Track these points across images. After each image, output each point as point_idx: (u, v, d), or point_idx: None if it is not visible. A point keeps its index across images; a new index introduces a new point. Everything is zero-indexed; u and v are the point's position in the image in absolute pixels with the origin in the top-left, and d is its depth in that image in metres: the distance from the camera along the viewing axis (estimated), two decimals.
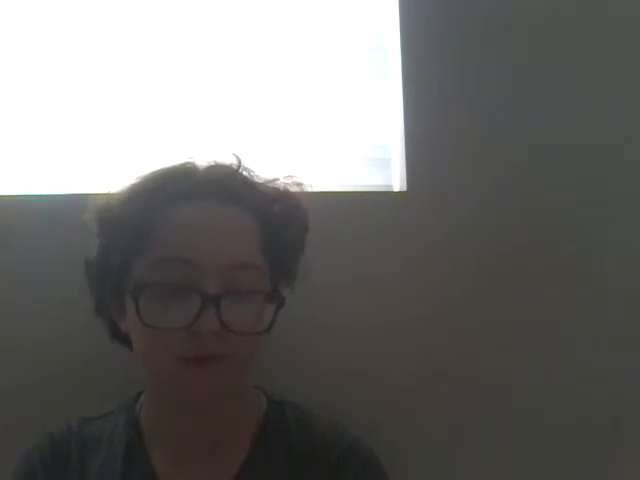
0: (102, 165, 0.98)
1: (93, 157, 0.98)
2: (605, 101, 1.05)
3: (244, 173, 0.73)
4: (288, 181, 0.75)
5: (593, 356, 1.00)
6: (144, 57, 1.00)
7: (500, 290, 0.99)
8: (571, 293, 1.00)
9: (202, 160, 0.72)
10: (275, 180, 0.75)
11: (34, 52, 0.98)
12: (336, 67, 1.04)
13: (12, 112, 0.97)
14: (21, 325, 0.89)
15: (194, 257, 0.64)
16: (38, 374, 0.88)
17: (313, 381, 0.90)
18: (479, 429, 0.96)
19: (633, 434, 0.99)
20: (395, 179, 1.03)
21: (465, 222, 0.99)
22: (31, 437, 0.73)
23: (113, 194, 0.70)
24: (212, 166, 0.72)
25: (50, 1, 0.99)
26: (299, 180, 0.75)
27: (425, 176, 1.00)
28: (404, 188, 1.00)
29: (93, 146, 0.98)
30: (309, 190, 0.76)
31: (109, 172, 0.97)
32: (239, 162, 0.73)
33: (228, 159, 0.73)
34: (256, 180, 0.74)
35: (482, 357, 0.97)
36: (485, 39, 1.04)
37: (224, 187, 0.69)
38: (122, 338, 0.72)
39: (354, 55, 1.05)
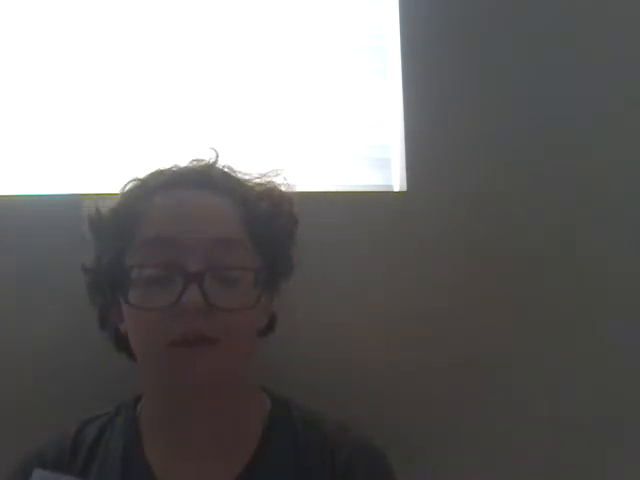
0: (102, 165, 0.98)
1: (92, 157, 0.98)
2: (605, 101, 1.05)
3: (224, 168, 0.76)
4: (272, 174, 0.77)
5: (594, 353, 0.99)
6: (143, 58, 1.00)
7: (500, 289, 0.99)
8: (571, 292, 1.00)
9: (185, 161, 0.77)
10: (258, 176, 0.77)
11: (34, 52, 0.98)
12: (336, 67, 1.04)
13: (12, 112, 0.97)
14: (20, 325, 0.89)
15: (174, 236, 0.66)
16: (37, 375, 0.88)
17: (311, 378, 0.89)
18: (478, 424, 0.96)
19: (634, 433, 0.99)
20: (395, 179, 1.03)
21: (465, 222, 0.99)
22: (23, 444, 0.73)
23: (102, 199, 0.75)
24: (191, 161, 0.76)
25: (50, 1, 0.99)
26: (280, 172, 0.78)
27: (425, 176, 1.00)
28: (404, 188, 1.00)
29: (92, 146, 0.98)
30: (290, 182, 0.78)
31: (109, 172, 0.97)
32: (217, 155, 0.76)
33: (207, 154, 0.76)
34: (237, 174, 0.77)
35: (482, 356, 0.97)
36: (485, 39, 1.04)
37: (201, 176, 0.73)
38: (127, 348, 0.72)
39: (354, 55, 1.05)
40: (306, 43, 1.04)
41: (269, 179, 0.77)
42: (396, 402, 0.94)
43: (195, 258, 0.65)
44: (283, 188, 0.77)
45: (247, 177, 0.77)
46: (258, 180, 0.77)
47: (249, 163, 0.78)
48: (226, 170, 0.76)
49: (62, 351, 0.89)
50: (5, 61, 0.98)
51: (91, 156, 0.98)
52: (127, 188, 0.74)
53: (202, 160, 0.76)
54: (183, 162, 0.76)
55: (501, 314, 0.99)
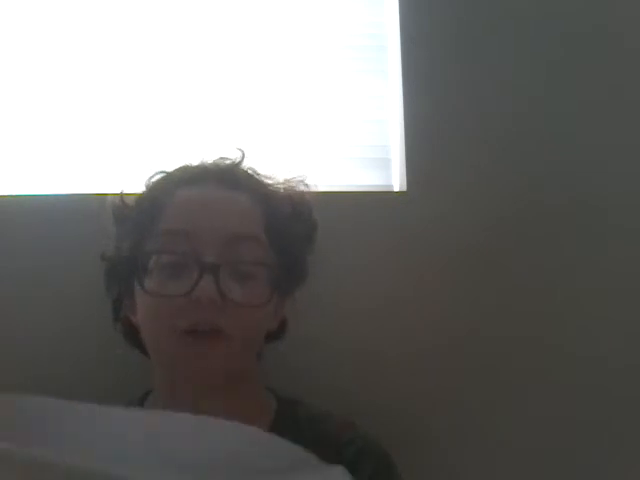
0: (102, 165, 0.98)
1: (93, 157, 0.98)
2: (605, 101, 1.05)
3: (248, 169, 0.77)
4: (292, 179, 0.79)
5: (594, 352, 0.99)
6: (143, 58, 1.00)
7: (501, 290, 0.99)
8: (571, 292, 1.00)
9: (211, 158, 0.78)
10: (282, 179, 0.79)
11: (34, 52, 0.98)
12: (336, 67, 1.04)
13: (12, 112, 0.97)
14: (21, 325, 0.89)
15: (193, 229, 0.68)
16: (37, 374, 0.88)
17: (307, 376, 0.90)
18: (479, 424, 0.96)
19: (635, 433, 0.99)
20: (395, 179, 1.03)
21: (465, 222, 0.99)
22: None
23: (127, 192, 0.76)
24: (218, 158, 0.77)
25: (51, 1, 1.00)
26: (303, 178, 0.79)
27: (425, 176, 0.99)
28: (404, 188, 1.00)
29: (93, 146, 0.98)
30: (314, 189, 0.80)
31: (109, 172, 0.97)
32: (242, 155, 0.78)
33: (233, 153, 0.78)
34: (261, 176, 0.78)
35: (482, 356, 0.97)
36: (485, 39, 1.04)
37: (226, 174, 0.74)
38: (138, 342, 0.73)
39: (354, 55, 1.05)
40: (306, 43, 1.04)
41: (292, 183, 0.79)
42: (395, 402, 0.94)
43: (212, 250, 0.66)
44: (305, 193, 0.79)
45: (270, 180, 0.78)
46: (281, 184, 0.78)
47: (251, 161, 0.79)
48: (250, 171, 0.77)
49: (62, 351, 0.89)
50: (6, 61, 0.98)
51: (92, 156, 0.98)
52: (152, 180, 0.76)
53: (227, 159, 0.77)
54: (209, 159, 0.77)
55: (501, 314, 0.99)
